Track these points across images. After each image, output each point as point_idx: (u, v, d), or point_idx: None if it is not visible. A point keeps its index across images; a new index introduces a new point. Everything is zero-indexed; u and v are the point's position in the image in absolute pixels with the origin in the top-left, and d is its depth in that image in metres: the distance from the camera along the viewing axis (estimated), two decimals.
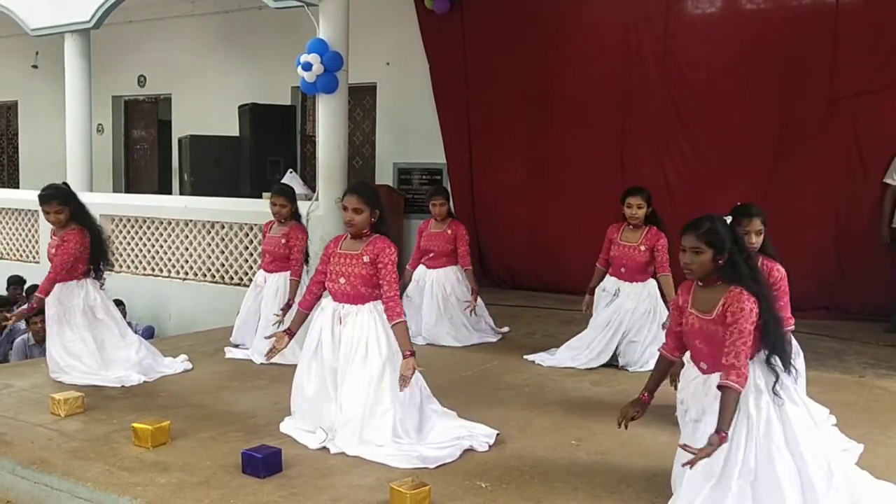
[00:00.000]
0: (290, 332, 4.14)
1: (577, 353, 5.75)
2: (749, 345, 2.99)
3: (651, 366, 5.46)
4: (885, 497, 3.31)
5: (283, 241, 5.87)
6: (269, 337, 4.23)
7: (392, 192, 9.73)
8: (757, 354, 3.10)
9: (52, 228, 5.24)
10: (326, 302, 4.09)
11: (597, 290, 5.84)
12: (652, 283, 5.66)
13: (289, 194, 6.04)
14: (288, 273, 5.86)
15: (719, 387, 2.94)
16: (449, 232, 6.53)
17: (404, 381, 3.76)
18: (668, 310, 5.28)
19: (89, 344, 5.11)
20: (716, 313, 3.08)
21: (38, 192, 5.21)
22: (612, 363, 5.67)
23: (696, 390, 3.16)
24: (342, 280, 3.99)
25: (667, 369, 3.52)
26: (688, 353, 3.35)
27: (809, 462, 3.00)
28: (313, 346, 4.05)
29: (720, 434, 2.86)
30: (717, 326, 3.07)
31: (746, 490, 2.95)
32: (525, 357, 5.90)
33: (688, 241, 3.13)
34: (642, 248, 5.60)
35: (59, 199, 5.10)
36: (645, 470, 3.69)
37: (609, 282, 5.75)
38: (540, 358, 5.86)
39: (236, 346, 6.10)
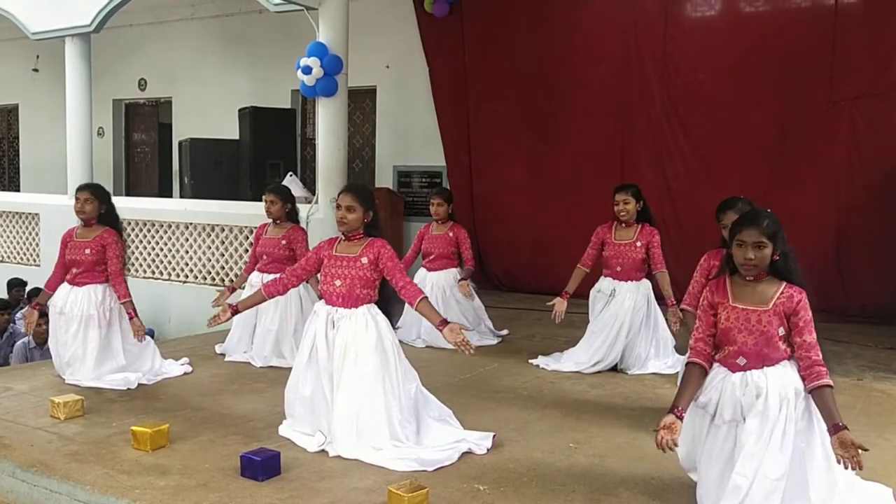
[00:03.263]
0: (235, 310, 4.16)
1: (583, 360, 5.68)
2: None
3: (650, 368, 5.55)
4: (876, 498, 3.34)
5: (284, 242, 5.87)
6: (215, 305, 4.23)
7: (392, 195, 9.75)
8: (794, 356, 3.10)
9: (74, 230, 5.25)
10: (319, 306, 4.08)
11: (592, 291, 5.79)
12: (646, 282, 5.64)
13: (281, 192, 6.02)
14: None
15: (818, 387, 2.96)
16: (450, 234, 6.55)
17: (464, 345, 3.72)
18: (667, 307, 5.26)
19: (117, 344, 5.16)
20: (773, 304, 3.06)
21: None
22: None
23: (731, 390, 3.08)
24: (338, 282, 3.99)
25: (701, 382, 3.20)
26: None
27: (833, 457, 3.01)
28: (308, 350, 4.04)
29: (840, 426, 2.87)
30: (773, 317, 3.05)
31: (778, 489, 2.96)
32: (529, 361, 5.88)
33: (749, 236, 3.05)
34: (638, 244, 5.58)
35: (92, 190, 5.26)
36: (643, 473, 3.70)
37: (604, 282, 5.71)
38: (544, 362, 5.83)
39: (221, 353, 6.06)
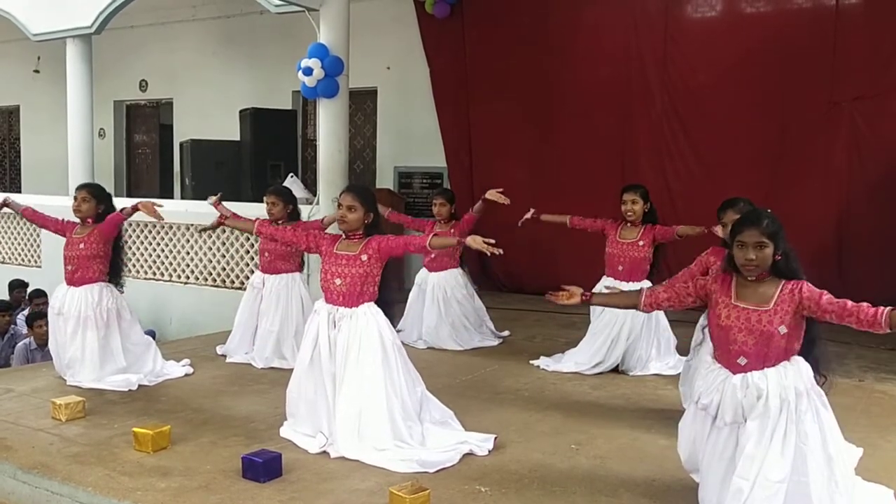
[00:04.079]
0: (221, 222, 4.61)
1: (583, 361, 5.67)
2: None
3: (652, 369, 5.55)
4: (877, 499, 3.34)
5: None
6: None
7: (393, 196, 9.73)
8: (796, 356, 3.10)
9: (77, 225, 5.24)
10: (320, 304, 4.09)
11: (593, 292, 5.80)
12: (648, 284, 5.64)
13: (282, 193, 6.03)
14: (288, 276, 5.88)
15: (888, 316, 3.06)
16: (453, 233, 6.56)
17: (490, 248, 3.72)
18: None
19: (116, 346, 5.16)
20: (775, 303, 3.05)
21: None
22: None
23: (732, 392, 3.07)
24: (338, 281, 4.00)
25: (626, 303, 3.62)
26: (707, 355, 3.30)
27: (835, 459, 3.03)
28: (310, 351, 4.05)
29: None
30: (774, 317, 3.03)
31: (780, 491, 2.96)
32: (531, 362, 5.88)
33: (750, 237, 3.04)
34: (641, 243, 5.58)
35: (90, 189, 5.27)
36: (644, 474, 3.70)
37: (606, 283, 5.73)
38: (545, 363, 5.84)
39: (223, 355, 6.04)
